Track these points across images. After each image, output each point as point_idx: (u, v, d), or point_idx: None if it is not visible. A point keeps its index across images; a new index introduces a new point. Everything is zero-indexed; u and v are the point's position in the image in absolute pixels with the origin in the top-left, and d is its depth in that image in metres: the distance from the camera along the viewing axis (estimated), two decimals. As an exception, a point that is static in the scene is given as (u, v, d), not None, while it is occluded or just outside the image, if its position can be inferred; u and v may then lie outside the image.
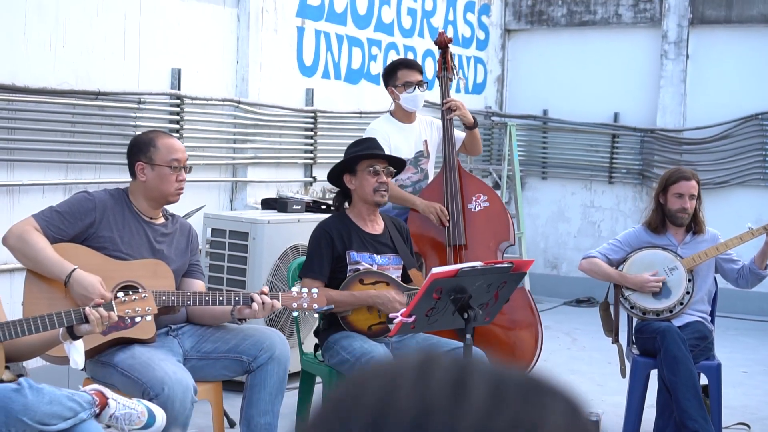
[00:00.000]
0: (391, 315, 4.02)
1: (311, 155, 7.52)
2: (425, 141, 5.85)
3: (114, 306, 3.62)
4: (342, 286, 4.58)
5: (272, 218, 6.01)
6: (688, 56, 9.79)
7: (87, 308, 3.53)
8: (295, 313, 4.22)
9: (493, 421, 0.68)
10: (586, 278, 10.58)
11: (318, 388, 4.92)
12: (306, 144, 7.51)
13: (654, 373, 5.16)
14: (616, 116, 10.15)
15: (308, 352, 4.96)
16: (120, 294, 3.69)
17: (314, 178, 7.56)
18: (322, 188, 7.73)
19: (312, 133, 7.51)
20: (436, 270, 3.77)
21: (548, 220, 10.43)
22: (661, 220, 5.39)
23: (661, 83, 9.87)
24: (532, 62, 10.55)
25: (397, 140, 5.68)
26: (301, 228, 6.18)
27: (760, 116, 9.51)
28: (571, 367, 7.16)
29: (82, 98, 5.59)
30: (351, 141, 7.95)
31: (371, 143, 4.81)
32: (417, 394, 0.69)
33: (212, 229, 6.00)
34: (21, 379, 3.17)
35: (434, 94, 6.48)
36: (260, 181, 7.03)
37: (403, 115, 5.78)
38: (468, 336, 3.97)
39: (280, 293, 4.18)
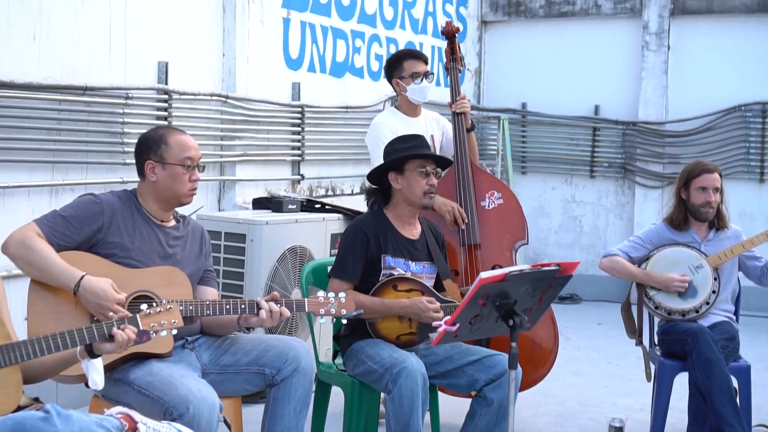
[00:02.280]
0: (434, 324, 3.73)
1: (299, 152, 7.20)
2: (431, 136, 5.57)
3: (139, 320, 3.30)
4: (373, 291, 4.28)
5: (270, 219, 5.70)
6: (669, 47, 9.63)
7: (114, 328, 3.20)
8: (322, 320, 3.92)
9: None
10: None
11: (335, 399, 4.62)
12: (293, 140, 7.19)
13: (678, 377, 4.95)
14: (596, 109, 9.95)
15: (324, 361, 4.66)
16: (143, 306, 3.36)
17: (302, 175, 7.24)
18: (309, 186, 7.43)
19: (299, 129, 7.19)
20: (484, 274, 3.50)
21: (528, 215, 10.05)
22: (683, 217, 5.18)
23: (642, 75, 9.70)
24: (509, 54, 10.32)
25: (403, 134, 5.40)
26: (299, 229, 5.89)
27: (743, 107, 9.38)
28: (572, 368, 6.93)
29: (69, 93, 5.22)
30: (338, 137, 7.73)
31: (420, 141, 4.48)
32: None
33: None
34: (48, 406, 2.83)
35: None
36: (249, 180, 6.69)
37: (409, 108, 5.50)
38: (513, 344, 3.71)
39: (305, 299, 3.89)
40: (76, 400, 5.33)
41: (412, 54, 5.49)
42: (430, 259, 4.48)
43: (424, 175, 4.37)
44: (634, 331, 5.20)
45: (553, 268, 3.71)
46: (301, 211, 6.14)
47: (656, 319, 5.25)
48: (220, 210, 6.49)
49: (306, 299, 3.89)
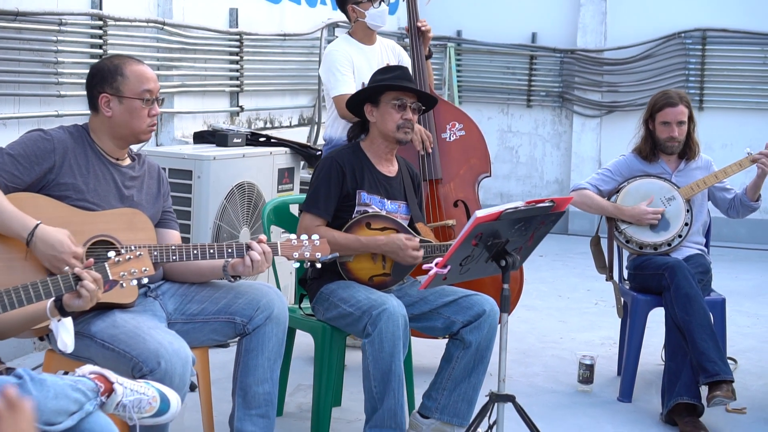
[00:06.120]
0: (425, 266, 3.49)
1: (238, 82, 6.83)
2: (387, 65, 5.28)
3: (108, 269, 2.98)
4: (346, 228, 4.01)
5: (217, 154, 5.35)
6: (608, -27, 9.42)
7: (81, 279, 2.87)
8: (295, 264, 3.64)
9: None
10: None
11: (300, 344, 4.37)
12: (232, 70, 6.81)
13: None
14: (533, 36, 9.73)
15: (290, 305, 4.38)
16: (111, 254, 3.04)
17: (241, 107, 6.88)
18: (248, 118, 7.08)
19: (238, 58, 6.81)
20: (479, 213, 3.26)
21: (464, 146, 9.97)
22: (651, 148, 5.00)
23: (581, 1, 9.48)
24: (444, -20, 10.00)
25: (359, 63, 5.11)
26: (247, 164, 5.56)
27: (682, 35, 9.26)
28: (523, 302, 6.72)
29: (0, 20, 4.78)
30: (277, 67, 7.36)
31: (401, 73, 4.16)
32: None
33: (148, 168, 5.30)
34: (20, 370, 2.52)
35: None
36: (187, 112, 6.32)
37: (364, 36, 5.20)
38: (506, 286, 3.49)
39: (278, 242, 3.60)
40: (15, 350, 4.99)
41: None
42: (406, 199, 4.22)
43: (400, 107, 4.08)
44: (604, 266, 5.03)
45: (547, 204, 3.49)
46: (247, 144, 5.80)
47: (625, 254, 5.09)
48: (158, 145, 6.11)
49: (279, 243, 3.61)
